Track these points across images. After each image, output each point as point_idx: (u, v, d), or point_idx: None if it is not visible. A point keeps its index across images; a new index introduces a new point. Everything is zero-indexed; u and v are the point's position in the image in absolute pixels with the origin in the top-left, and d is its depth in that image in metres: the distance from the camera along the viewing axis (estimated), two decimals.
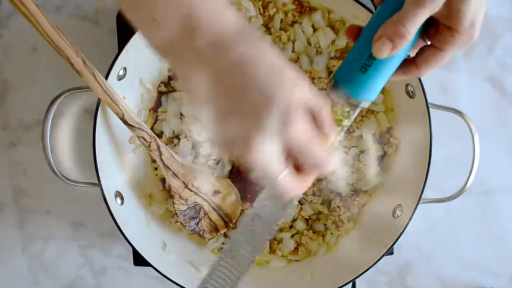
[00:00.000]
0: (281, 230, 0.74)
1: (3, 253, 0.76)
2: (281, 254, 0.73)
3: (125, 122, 0.64)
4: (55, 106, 0.63)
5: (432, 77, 0.75)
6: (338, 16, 0.71)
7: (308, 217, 0.74)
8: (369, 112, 0.73)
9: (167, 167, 0.68)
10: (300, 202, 0.73)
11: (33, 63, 0.75)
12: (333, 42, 0.71)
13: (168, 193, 0.71)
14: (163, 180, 0.73)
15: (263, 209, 0.47)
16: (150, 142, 0.66)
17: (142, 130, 0.65)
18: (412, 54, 0.46)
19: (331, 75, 0.46)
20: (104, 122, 0.66)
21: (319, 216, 0.74)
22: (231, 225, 0.72)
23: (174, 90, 0.72)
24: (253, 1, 0.70)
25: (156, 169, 0.73)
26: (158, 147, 0.67)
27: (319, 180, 0.73)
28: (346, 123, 0.46)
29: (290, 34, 0.72)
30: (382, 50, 0.41)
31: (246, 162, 0.39)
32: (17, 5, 0.54)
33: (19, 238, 0.75)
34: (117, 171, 0.69)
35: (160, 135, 0.72)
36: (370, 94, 0.45)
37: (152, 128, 0.72)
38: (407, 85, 0.67)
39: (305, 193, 0.73)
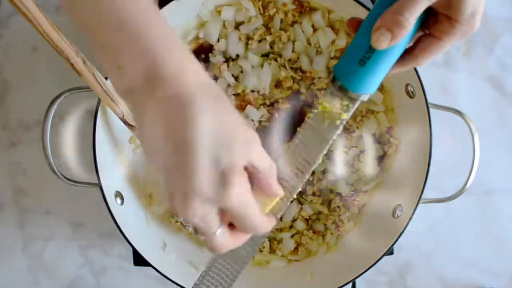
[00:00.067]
0: (281, 230, 0.74)
1: (3, 253, 0.75)
2: (281, 254, 0.73)
3: (125, 122, 0.64)
4: (55, 106, 0.63)
5: (432, 77, 0.75)
6: (338, 16, 0.71)
7: (308, 217, 0.74)
8: (369, 112, 0.73)
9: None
10: (300, 202, 0.73)
11: (33, 63, 0.75)
12: (333, 42, 0.71)
13: None
14: None
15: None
16: None
17: None
18: (410, 43, 0.45)
19: (332, 71, 0.46)
20: (104, 122, 0.66)
21: (319, 216, 0.74)
22: None
23: None
24: (253, 1, 0.70)
25: None
26: None
27: (319, 180, 0.73)
28: (345, 116, 0.46)
29: (290, 34, 0.72)
30: (381, 41, 0.41)
31: (184, 217, 0.39)
32: (17, 5, 0.54)
33: (19, 238, 0.75)
34: (117, 171, 0.69)
35: None
36: (369, 87, 0.44)
37: None
38: (407, 85, 0.67)
39: (305, 193, 0.73)
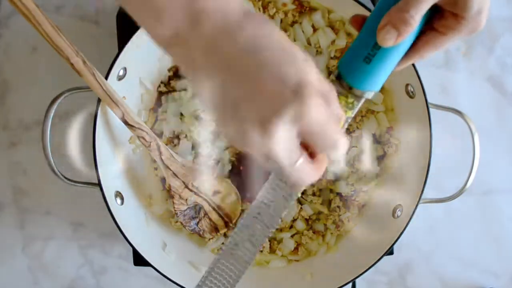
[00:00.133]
0: (281, 230, 0.74)
1: (3, 253, 0.76)
2: (281, 254, 0.73)
3: (125, 122, 0.64)
4: (55, 106, 0.63)
5: (432, 77, 0.75)
6: (338, 16, 0.71)
7: (308, 217, 0.74)
8: (369, 112, 0.73)
9: (167, 167, 0.68)
10: (300, 202, 0.73)
11: (33, 63, 0.75)
12: (333, 42, 0.71)
13: (168, 193, 0.71)
14: (163, 180, 0.73)
15: (268, 197, 0.46)
16: (150, 142, 0.66)
17: (142, 130, 0.65)
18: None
19: (335, 68, 0.45)
20: (104, 122, 0.66)
21: (319, 216, 0.74)
22: (231, 225, 0.72)
23: (174, 90, 0.72)
24: (253, 1, 0.70)
25: (156, 169, 0.73)
26: (158, 147, 0.67)
27: (319, 180, 0.73)
28: (351, 114, 0.46)
29: (290, 34, 0.72)
30: (387, 39, 0.41)
31: (262, 151, 0.38)
32: (17, 5, 0.54)
33: (19, 238, 0.75)
34: (117, 171, 0.69)
35: (160, 135, 0.72)
36: (375, 85, 0.44)
37: (152, 128, 0.72)
38: (407, 85, 0.67)
39: (305, 193, 0.73)
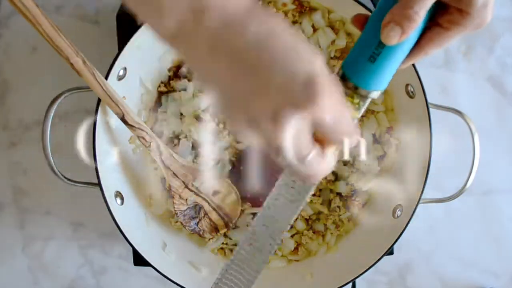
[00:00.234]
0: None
1: (3, 253, 0.76)
2: (281, 254, 0.73)
3: (125, 122, 0.64)
4: (55, 106, 0.63)
5: (432, 77, 0.75)
6: (338, 16, 0.71)
7: (308, 217, 0.74)
8: (369, 112, 0.73)
9: (167, 167, 0.68)
10: None
11: (33, 63, 0.75)
12: (333, 42, 0.71)
13: (168, 193, 0.71)
14: (163, 180, 0.73)
15: (287, 189, 0.45)
16: (150, 142, 0.66)
17: (142, 130, 0.65)
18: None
19: (340, 69, 0.45)
20: (104, 122, 0.66)
21: (319, 216, 0.74)
22: (231, 225, 0.72)
23: (174, 90, 0.72)
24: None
25: (156, 169, 0.73)
26: (158, 147, 0.67)
27: None
28: (357, 115, 0.45)
29: None
30: (391, 37, 0.40)
31: (273, 145, 0.37)
32: (17, 5, 0.54)
33: (19, 238, 0.75)
34: (117, 171, 0.69)
35: (160, 135, 0.72)
36: (380, 84, 0.43)
37: (152, 128, 0.72)
38: (407, 85, 0.67)
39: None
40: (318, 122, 0.37)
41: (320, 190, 0.74)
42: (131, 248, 0.65)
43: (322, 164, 0.40)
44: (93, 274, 0.76)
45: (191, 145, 0.72)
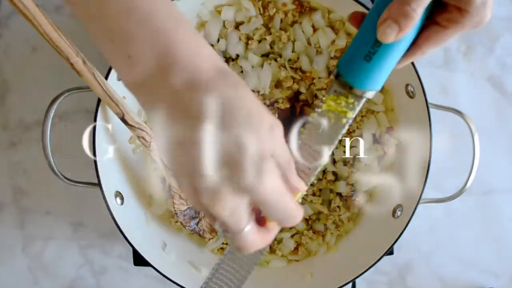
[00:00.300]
0: (281, 230, 0.73)
1: (3, 253, 0.75)
2: (281, 254, 0.73)
3: (125, 122, 0.64)
4: (55, 106, 0.63)
5: (432, 77, 0.76)
6: (338, 16, 0.71)
7: (308, 217, 0.74)
8: (369, 112, 0.73)
9: (167, 167, 0.68)
10: (300, 202, 0.73)
11: (33, 63, 0.75)
12: (333, 42, 0.71)
13: (168, 193, 0.71)
14: (163, 180, 0.73)
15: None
16: (150, 142, 0.66)
17: (142, 130, 0.65)
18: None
19: (335, 68, 0.44)
20: (104, 122, 0.66)
21: (319, 216, 0.74)
22: None
23: None
24: (253, 1, 0.70)
25: (156, 169, 0.73)
26: None
27: (319, 180, 0.73)
28: (351, 115, 0.44)
29: (290, 34, 0.72)
30: (388, 34, 0.39)
31: (211, 213, 0.37)
32: (17, 5, 0.54)
33: (19, 238, 0.75)
34: (117, 171, 0.69)
35: None
36: (376, 84, 0.43)
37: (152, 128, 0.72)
38: (407, 85, 0.67)
39: (305, 193, 0.73)
40: (259, 199, 0.37)
41: (320, 190, 0.74)
42: (131, 248, 0.65)
43: (256, 239, 0.40)
44: (93, 274, 0.76)
45: None
